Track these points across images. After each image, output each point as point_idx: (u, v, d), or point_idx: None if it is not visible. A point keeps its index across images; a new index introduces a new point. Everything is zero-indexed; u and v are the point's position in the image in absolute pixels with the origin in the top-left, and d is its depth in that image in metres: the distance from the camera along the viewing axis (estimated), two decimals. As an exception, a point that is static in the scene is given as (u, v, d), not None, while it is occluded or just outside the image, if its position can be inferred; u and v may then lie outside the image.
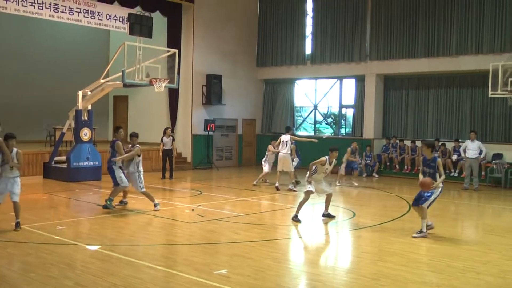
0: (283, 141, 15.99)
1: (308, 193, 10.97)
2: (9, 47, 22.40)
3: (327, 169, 10.95)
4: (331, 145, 11.54)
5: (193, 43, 21.92)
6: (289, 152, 15.87)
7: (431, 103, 20.76)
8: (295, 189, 15.75)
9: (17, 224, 9.63)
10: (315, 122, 24.43)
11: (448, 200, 14.92)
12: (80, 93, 17.47)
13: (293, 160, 16.34)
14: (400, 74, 21.18)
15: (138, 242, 9.07)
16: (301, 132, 24.69)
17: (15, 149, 9.76)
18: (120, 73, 16.05)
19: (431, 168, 9.80)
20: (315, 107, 24.21)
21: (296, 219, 10.89)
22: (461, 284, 6.92)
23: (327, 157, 10.89)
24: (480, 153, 17.11)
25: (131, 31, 16.00)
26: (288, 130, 16.66)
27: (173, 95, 21.90)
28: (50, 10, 17.65)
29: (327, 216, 11.33)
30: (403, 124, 21.60)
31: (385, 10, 21.11)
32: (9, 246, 8.46)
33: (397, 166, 20.47)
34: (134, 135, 12.28)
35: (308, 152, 22.57)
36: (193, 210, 12.17)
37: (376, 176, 20.52)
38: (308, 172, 10.97)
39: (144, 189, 12.01)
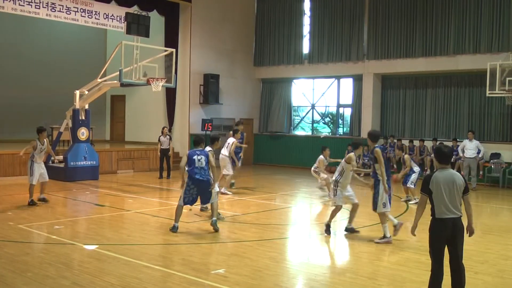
0: (227, 143, 14.77)
1: (338, 209, 9.81)
2: (6, 47, 22.36)
3: (352, 168, 9.78)
4: (354, 140, 10.72)
5: (190, 43, 21.89)
6: (227, 154, 14.48)
7: (429, 103, 20.76)
8: (227, 192, 14.58)
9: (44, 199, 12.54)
10: (313, 121, 24.43)
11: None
12: (77, 92, 17.43)
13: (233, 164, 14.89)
14: (397, 73, 21.19)
15: (135, 242, 9.05)
16: (298, 132, 24.69)
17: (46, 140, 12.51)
18: (117, 73, 16.03)
19: (371, 160, 9.43)
20: (313, 107, 24.20)
21: (327, 232, 9.72)
22: (459, 283, 6.91)
23: (353, 153, 9.79)
24: (478, 153, 17.13)
25: (128, 31, 15.97)
26: (235, 132, 15.09)
27: (170, 94, 21.88)
28: (47, 10, 17.62)
29: (350, 230, 9.90)
30: (400, 123, 21.60)
31: (382, 10, 21.12)
32: (7, 246, 8.44)
33: (395, 166, 20.45)
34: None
35: (305, 152, 22.66)
36: (190, 209, 12.14)
37: (374, 175, 20.48)
38: (334, 178, 9.83)
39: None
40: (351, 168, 9.73)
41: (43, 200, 12.51)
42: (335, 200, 9.77)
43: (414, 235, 6.09)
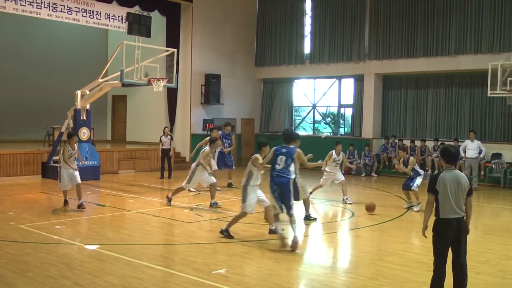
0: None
1: (243, 215, 9.35)
2: (7, 47, 22.35)
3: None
4: (259, 140, 9.60)
5: (191, 43, 21.90)
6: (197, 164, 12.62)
7: (430, 103, 20.76)
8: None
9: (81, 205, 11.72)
10: (314, 121, 24.43)
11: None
12: (78, 92, 17.43)
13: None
14: (399, 73, 21.18)
15: (136, 242, 9.05)
16: (300, 132, 24.64)
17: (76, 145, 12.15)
18: (119, 73, 16.02)
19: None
20: (314, 107, 24.20)
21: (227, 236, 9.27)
22: (460, 283, 6.90)
23: (258, 154, 9.11)
24: (479, 153, 17.12)
25: (130, 31, 15.96)
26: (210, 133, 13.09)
27: (171, 94, 21.88)
28: (49, 10, 17.63)
29: (273, 232, 9.33)
30: (402, 123, 21.60)
31: (383, 10, 21.11)
32: (8, 246, 8.44)
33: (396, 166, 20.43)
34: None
35: (306, 152, 22.58)
36: (191, 209, 12.15)
37: (375, 175, 20.51)
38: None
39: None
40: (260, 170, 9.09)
41: (80, 206, 11.72)
42: (243, 207, 9.14)
43: (425, 236, 6.05)
